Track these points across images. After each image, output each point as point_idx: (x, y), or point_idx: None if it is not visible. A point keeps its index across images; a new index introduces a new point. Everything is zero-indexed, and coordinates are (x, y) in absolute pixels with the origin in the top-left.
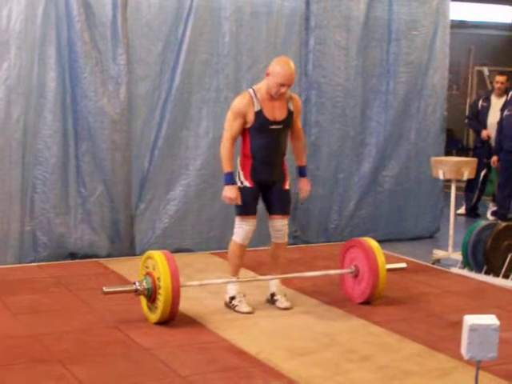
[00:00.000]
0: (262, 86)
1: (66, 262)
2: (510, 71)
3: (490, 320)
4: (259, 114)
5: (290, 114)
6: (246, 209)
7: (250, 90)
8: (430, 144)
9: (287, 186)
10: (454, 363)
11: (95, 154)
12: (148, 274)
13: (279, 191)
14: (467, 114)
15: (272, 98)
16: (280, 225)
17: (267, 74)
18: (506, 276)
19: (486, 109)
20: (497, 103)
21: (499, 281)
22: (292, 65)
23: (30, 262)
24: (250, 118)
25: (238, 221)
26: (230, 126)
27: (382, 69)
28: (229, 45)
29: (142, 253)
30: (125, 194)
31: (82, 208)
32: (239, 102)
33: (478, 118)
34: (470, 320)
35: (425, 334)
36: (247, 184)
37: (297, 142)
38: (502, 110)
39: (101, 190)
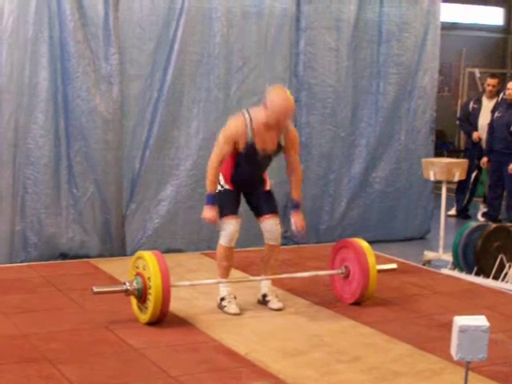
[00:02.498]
0: (259, 116)
1: (57, 262)
2: (501, 73)
3: (480, 321)
4: (250, 145)
5: (280, 146)
6: (227, 209)
7: (246, 116)
8: (420, 145)
9: (268, 188)
10: (444, 364)
11: (87, 154)
12: (138, 274)
13: (262, 193)
14: (458, 115)
15: (268, 128)
16: (272, 224)
17: (264, 105)
18: (496, 277)
19: (477, 110)
20: (488, 105)
21: (489, 282)
22: (290, 97)
23: (21, 262)
24: (241, 145)
25: (222, 224)
26: (220, 149)
27: (373, 70)
28: (219, 45)
29: (132, 253)
30: (116, 195)
31: (74, 208)
32: (233, 129)
33: (469, 119)
34: (459, 321)
35: (415, 334)
36: (227, 187)
37: (292, 174)
38: (493, 111)
39: (92, 191)
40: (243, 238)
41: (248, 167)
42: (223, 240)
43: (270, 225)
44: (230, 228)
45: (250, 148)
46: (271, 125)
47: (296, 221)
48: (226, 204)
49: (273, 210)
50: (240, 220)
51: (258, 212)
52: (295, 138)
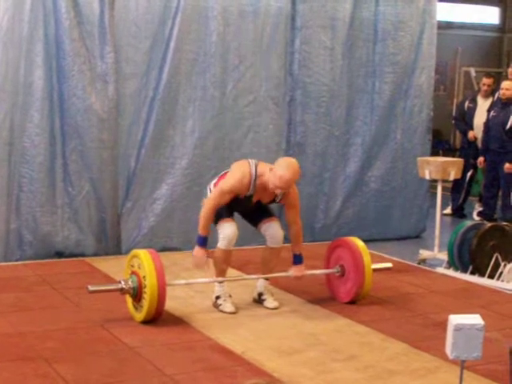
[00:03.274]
0: (265, 175)
1: (52, 260)
2: (497, 72)
3: (475, 320)
4: (247, 197)
5: (274, 200)
6: (223, 214)
7: (253, 173)
8: (416, 144)
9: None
10: (439, 363)
11: (82, 153)
12: (133, 272)
13: (255, 205)
14: (454, 114)
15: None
16: (273, 227)
17: (271, 169)
18: (491, 276)
19: (473, 110)
20: (483, 104)
21: (484, 281)
22: (298, 169)
23: (16, 261)
24: (239, 195)
25: (219, 228)
26: (219, 197)
27: (368, 69)
28: (215, 44)
29: (128, 251)
30: (111, 193)
31: (69, 207)
32: (238, 183)
33: (465, 118)
34: (454, 320)
35: (410, 333)
36: None
37: (291, 228)
38: (489, 110)
39: (88, 189)
40: (240, 236)
41: (241, 203)
42: (222, 243)
43: (272, 228)
44: (227, 231)
45: (247, 198)
46: (270, 187)
47: (297, 275)
48: (221, 210)
49: (269, 215)
50: (235, 223)
51: (257, 219)
52: (296, 197)
